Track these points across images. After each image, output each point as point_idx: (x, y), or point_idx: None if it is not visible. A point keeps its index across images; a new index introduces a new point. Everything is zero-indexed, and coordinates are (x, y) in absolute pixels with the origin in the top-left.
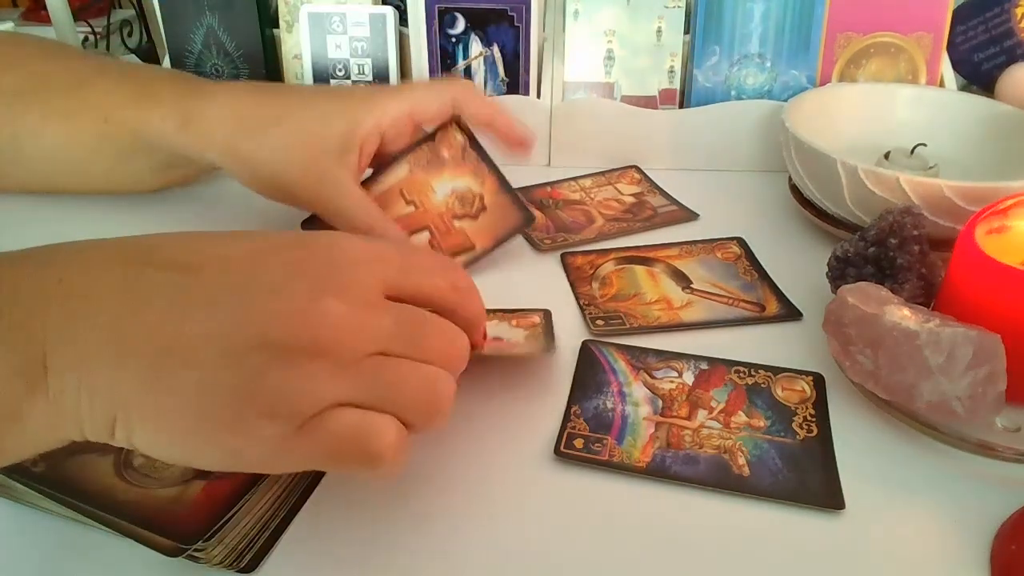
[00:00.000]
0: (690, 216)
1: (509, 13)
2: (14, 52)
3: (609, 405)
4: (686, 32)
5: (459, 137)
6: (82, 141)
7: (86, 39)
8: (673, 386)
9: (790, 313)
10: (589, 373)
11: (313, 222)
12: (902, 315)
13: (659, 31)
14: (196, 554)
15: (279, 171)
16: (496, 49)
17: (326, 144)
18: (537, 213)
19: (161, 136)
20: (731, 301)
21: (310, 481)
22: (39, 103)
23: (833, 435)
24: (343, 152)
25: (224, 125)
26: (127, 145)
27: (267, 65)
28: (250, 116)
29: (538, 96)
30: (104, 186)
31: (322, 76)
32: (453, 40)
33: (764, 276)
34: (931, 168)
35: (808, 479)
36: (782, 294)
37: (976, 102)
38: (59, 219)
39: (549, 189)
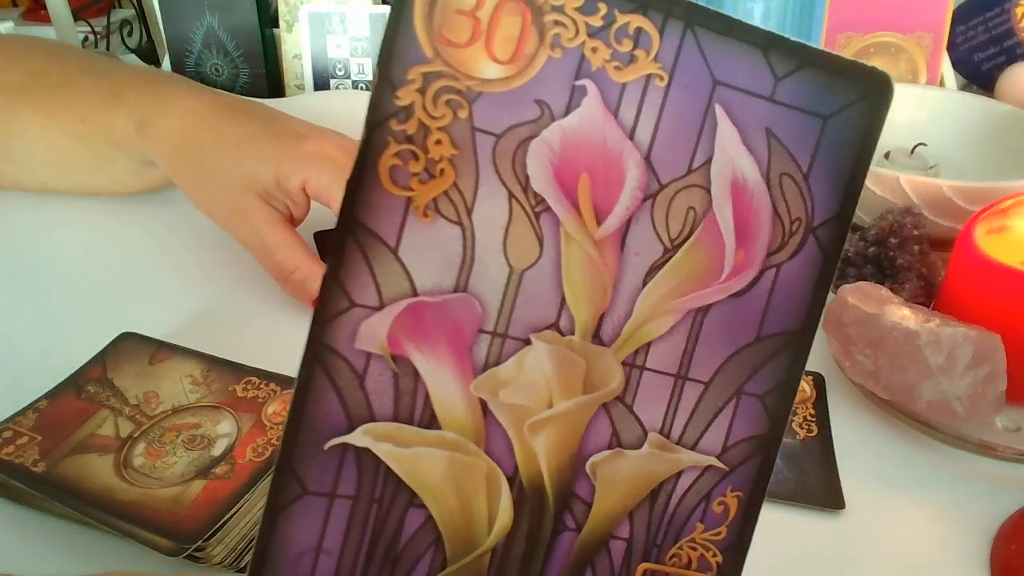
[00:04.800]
0: None
1: None
2: (16, 51)
3: None
4: None
5: None
6: (64, 141)
7: (86, 39)
8: None
9: None
10: None
11: (327, 233)
12: (902, 315)
13: None
14: (196, 554)
15: (204, 198)
16: None
17: (251, 185)
18: None
19: (125, 137)
20: None
21: None
22: (29, 101)
23: (833, 435)
24: (268, 197)
25: (169, 138)
26: (102, 145)
27: (267, 65)
28: (192, 136)
29: None
30: (93, 187)
31: (322, 76)
32: None
33: None
34: (931, 168)
35: (808, 479)
36: None
37: (976, 102)
38: (56, 222)
39: None
